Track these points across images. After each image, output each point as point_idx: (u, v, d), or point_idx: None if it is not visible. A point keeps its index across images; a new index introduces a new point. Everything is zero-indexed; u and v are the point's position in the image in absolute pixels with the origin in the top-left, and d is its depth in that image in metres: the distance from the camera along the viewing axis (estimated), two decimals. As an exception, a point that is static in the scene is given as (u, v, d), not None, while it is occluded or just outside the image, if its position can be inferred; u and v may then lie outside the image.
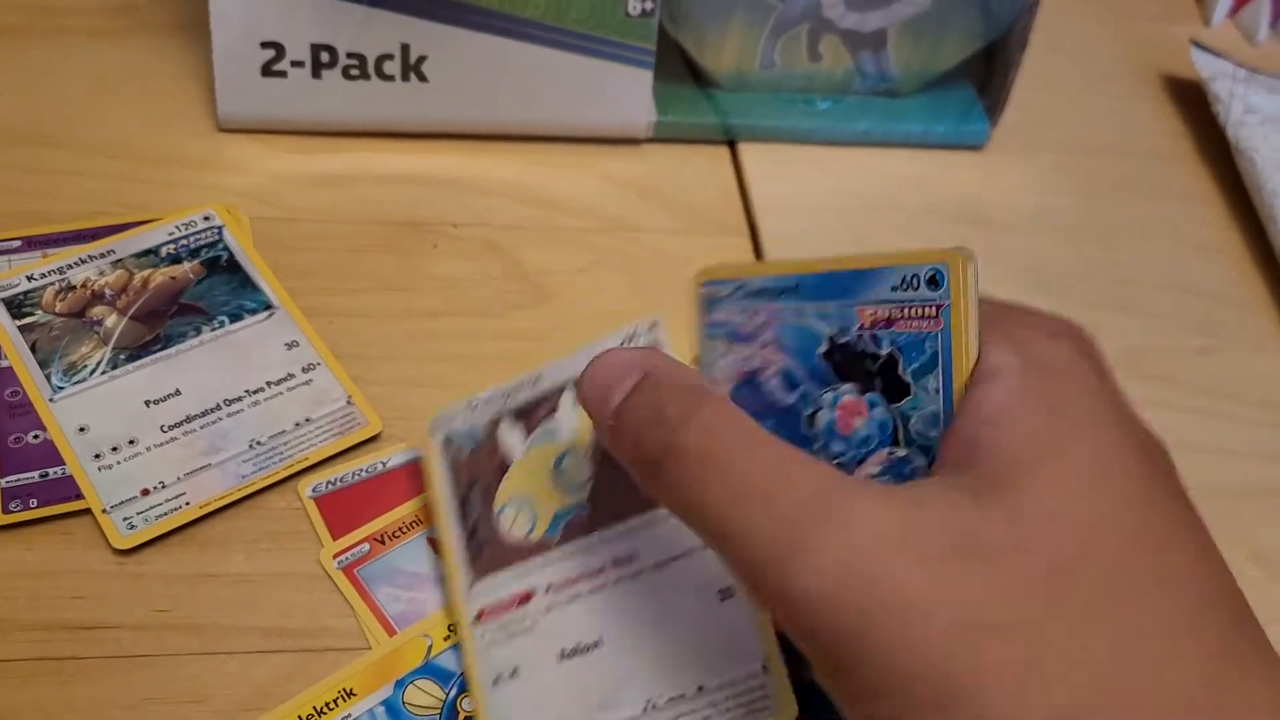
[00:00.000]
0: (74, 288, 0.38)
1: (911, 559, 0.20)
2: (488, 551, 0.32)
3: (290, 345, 0.38)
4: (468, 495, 0.33)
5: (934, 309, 0.25)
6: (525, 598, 0.31)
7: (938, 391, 0.24)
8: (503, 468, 0.32)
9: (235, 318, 0.38)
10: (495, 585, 0.31)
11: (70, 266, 0.38)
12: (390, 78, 0.43)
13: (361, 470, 0.35)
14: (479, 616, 0.31)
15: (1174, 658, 0.20)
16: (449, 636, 0.32)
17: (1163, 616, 0.20)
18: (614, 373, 0.26)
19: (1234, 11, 0.58)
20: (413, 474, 0.35)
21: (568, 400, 0.32)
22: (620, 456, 0.26)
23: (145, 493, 0.34)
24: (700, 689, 0.28)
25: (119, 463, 0.34)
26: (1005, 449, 0.22)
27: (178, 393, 0.36)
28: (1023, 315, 0.25)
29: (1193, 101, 0.52)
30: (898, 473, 0.25)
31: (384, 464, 0.35)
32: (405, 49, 0.42)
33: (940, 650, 0.20)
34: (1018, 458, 0.21)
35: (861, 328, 0.26)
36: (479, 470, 0.33)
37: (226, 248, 0.40)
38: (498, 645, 0.30)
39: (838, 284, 0.26)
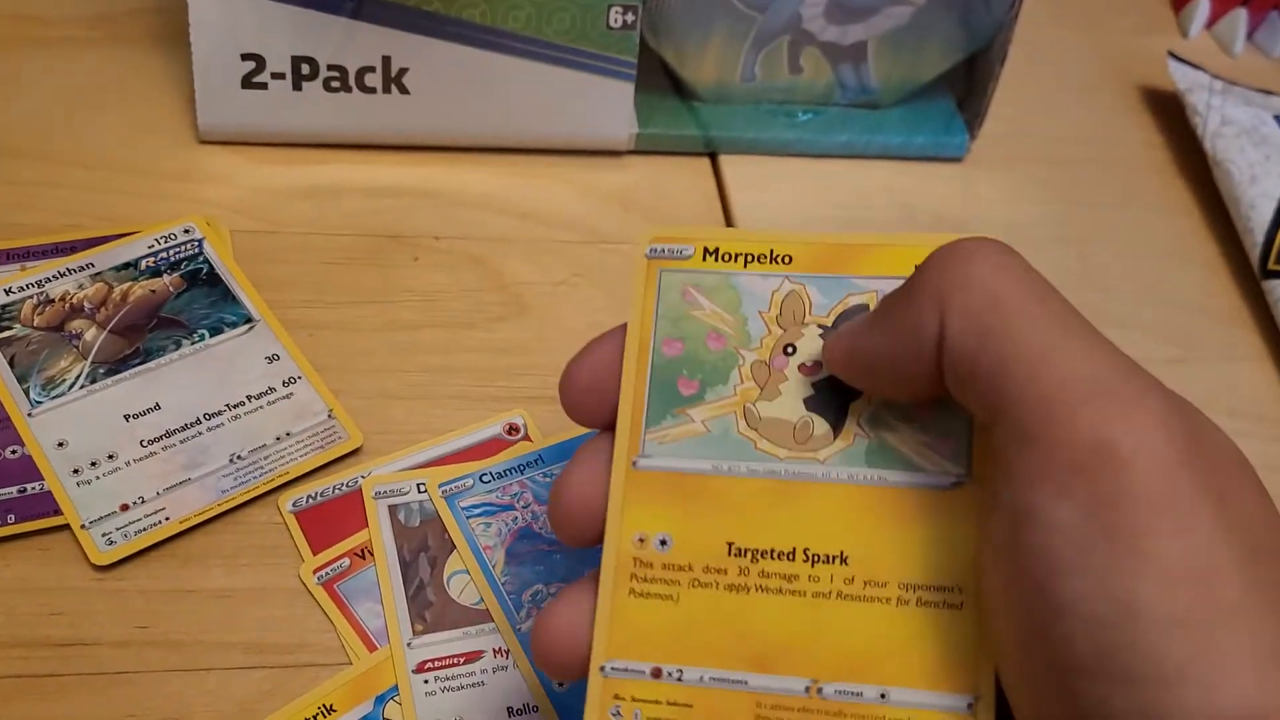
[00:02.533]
0: (52, 301, 0.38)
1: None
2: (434, 610, 0.32)
3: (271, 359, 0.37)
4: (414, 560, 0.33)
5: None
6: (472, 657, 0.31)
7: None
8: (450, 544, 0.33)
9: (215, 331, 0.38)
10: (440, 641, 0.32)
11: (49, 280, 0.38)
12: (371, 90, 0.43)
13: (342, 485, 0.35)
14: (419, 668, 0.31)
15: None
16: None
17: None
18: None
19: (1211, 24, 0.58)
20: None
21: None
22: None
23: (124, 508, 0.33)
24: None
25: (98, 478, 0.34)
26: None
27: (157, 407, 0.36)
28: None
29: (1170, 113, 0.53)
30: None
31: (364, 478, 0.35)
32: (386, 61, 0.42)
33: None
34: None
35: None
36: (426, 540, 0.34)
37: (206, 260, 0.40)
38: (439, 695, 0.31)
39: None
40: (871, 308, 0.25)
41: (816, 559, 0.24)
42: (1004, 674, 0.22)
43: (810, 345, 0.26)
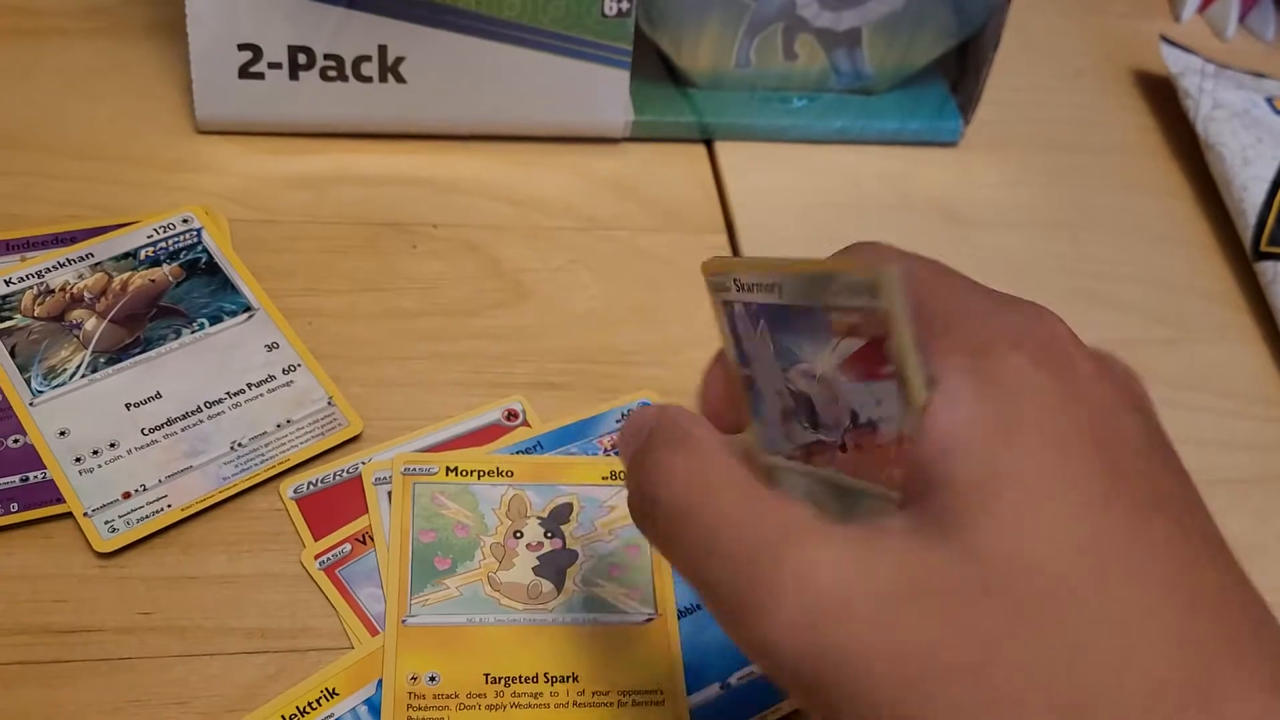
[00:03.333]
0: (53, 291, 0.38)
1: (864, 609, 0.20)
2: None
3: (270, 347, 0.38)
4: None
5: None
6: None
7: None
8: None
9: (215, 320, 0.38)
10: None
11: (48, 270, 0.38)
12: (368, 79, 0.43)
13: (343, 471, 0.35)
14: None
15: (1145, 683, 0.19)
16: (431, 635, 0.32)
17: (1135, 640, 0.20)
18: (628, 431, 0.26)
19: (1203, 7, 0.58)
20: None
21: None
22: (629, 507, 0.26)
23: (126, 496, 0.34)
24: None
25: (100, 466, 0.34)
26: (959, 482, 0.21)
27: (158, 395, 0.36)
28: (985, 313, 0.24)
29: (1163, 97, 0.53)
30: None
31: (365, 464, 0.35)
32: (383, 50, 0.42)
33: (892, 697, 0.20)
34: (971, 492, 0.21)
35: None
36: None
37: (205, 250, 0.40)
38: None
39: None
40: (574, 507, 0.35)
41: (554, 679, 0.32)
42: None
43: (533, 531, 0.34)
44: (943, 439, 0.22)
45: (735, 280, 0.27)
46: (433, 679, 0.31)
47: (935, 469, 0.22)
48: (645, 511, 0.24)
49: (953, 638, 0.20)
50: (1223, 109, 0.49)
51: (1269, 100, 0.50)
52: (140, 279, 0.39)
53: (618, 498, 0.35)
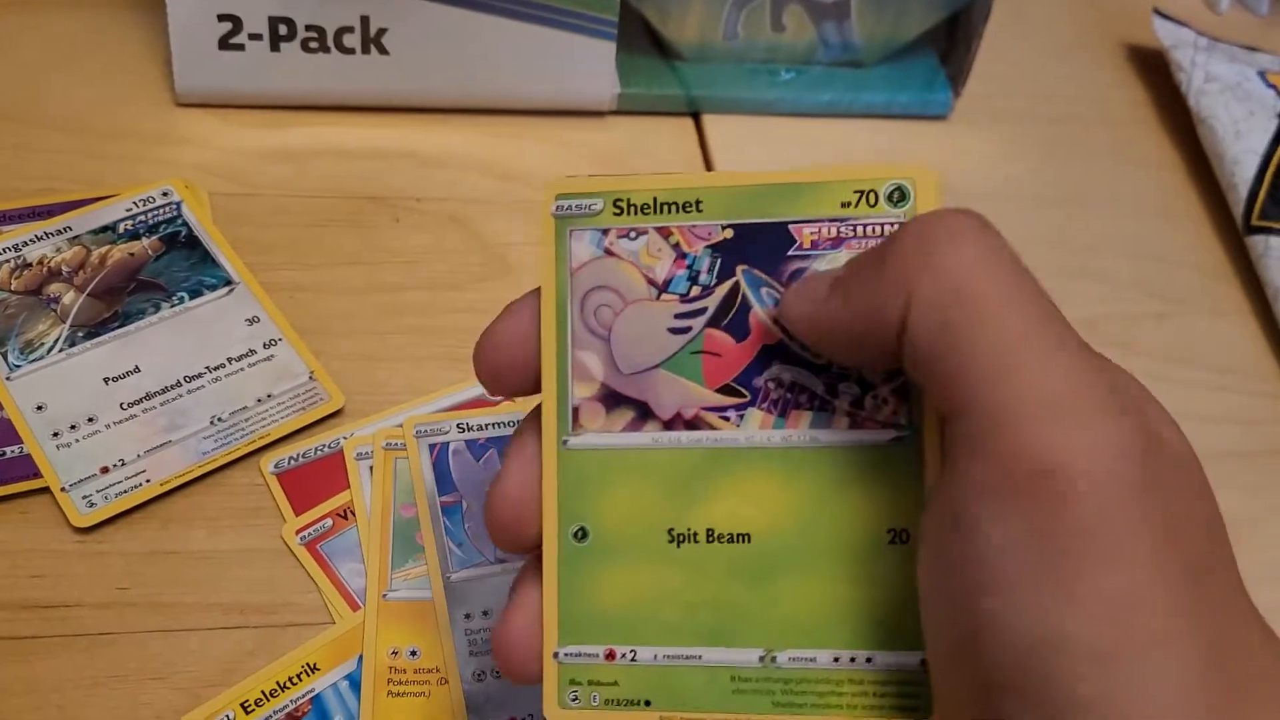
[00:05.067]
0: (30, 265, 0.37)
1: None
2: None
3: (251, 321, 0.37)
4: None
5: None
6: None
7: None
8: None
9: (195, 294, 0.38)
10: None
11: (26, 243, 0.38)
12: (350, 50, 0.42)
13: (324, 446, 0.35)
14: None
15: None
16: (413, 610, 0.32)
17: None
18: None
19: (1196, -20, 0.58)
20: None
21: None
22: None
23: (105, 470, 0.33)
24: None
25: (78, 441, 0.34)
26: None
27: (137, 370, 0.36)
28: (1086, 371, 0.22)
29: (1155, 70, 0.53)
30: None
31: (346, 439, 0.35)
32: (365, 21, 0.42)
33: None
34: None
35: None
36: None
37: (185, 223, 0.39)
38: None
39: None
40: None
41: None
42: (930, 660, 0.22)
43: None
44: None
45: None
46: (413, 653, 0.31)
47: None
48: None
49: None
50: (1215, 82, 0.49)
51: (1261, 74, 0.49)
52: (119, 252, 0.38)
53: None
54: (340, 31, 0.42)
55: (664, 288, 0.24)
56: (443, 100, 0.44)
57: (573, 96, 0.45)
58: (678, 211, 0.24)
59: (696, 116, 0.47)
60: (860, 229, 0.23)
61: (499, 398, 0.25)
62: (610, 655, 0.24)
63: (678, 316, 0.24)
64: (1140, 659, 0.18)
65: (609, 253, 0.24)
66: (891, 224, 0.23)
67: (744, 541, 0.24)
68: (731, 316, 0.24)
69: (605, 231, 0.24)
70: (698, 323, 0.24)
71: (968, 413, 0.20)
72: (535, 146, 0.45)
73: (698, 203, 0.24)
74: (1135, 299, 0.44)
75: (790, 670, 0.23)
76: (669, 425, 0.24)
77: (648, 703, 0.24)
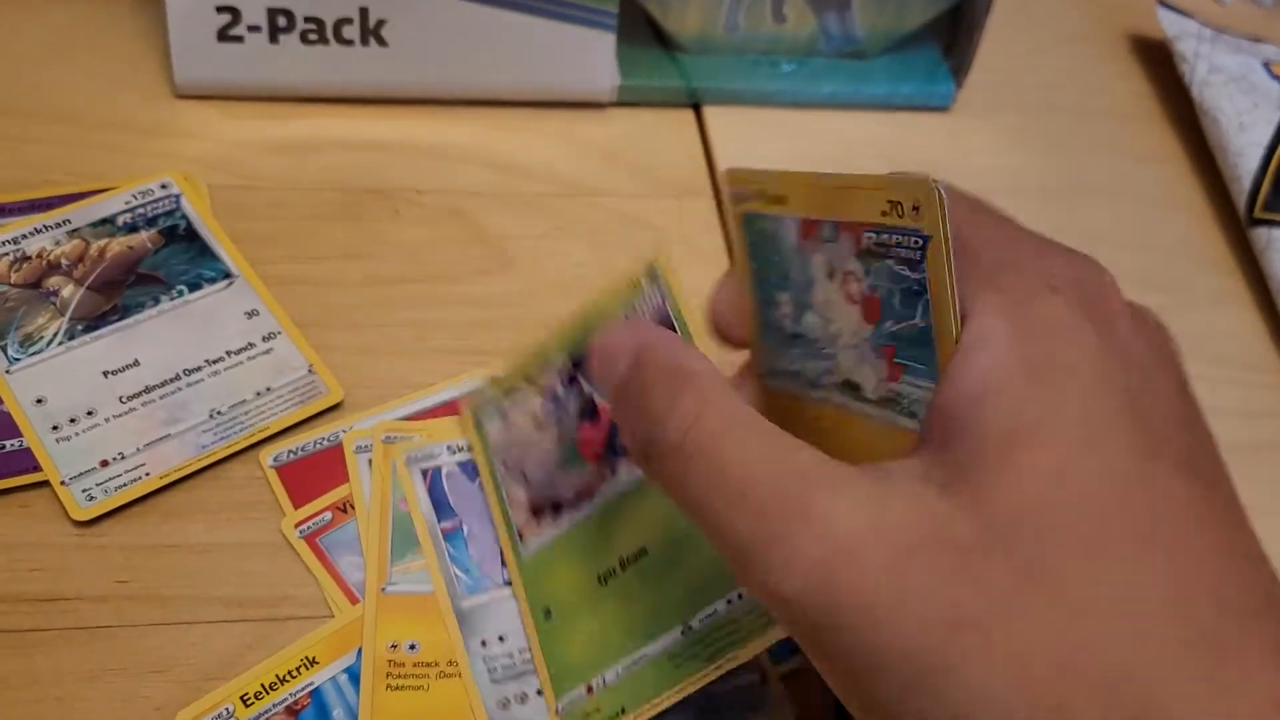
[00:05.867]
0: (29, 258, 0.37)
1: (878, 557, 0.20)
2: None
3: (250, 314, 0.37)
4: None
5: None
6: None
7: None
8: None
9: (194, 287, 0.38)
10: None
11: (25, 236, 0.38)
12: (349, 42, 0.42)
13: (323, 439, 0.35)
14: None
15: (1155, 641, 0.19)
16: (412, 604, 0.32)
17: (1144, 601, 0.20)
18: (608, 357, 0.25)
19: (1200, -30, 0.57)
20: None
21: None
22: (622, 440, 0.26)
23: (104, 464, 0.33)
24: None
25: (77, 434, 0.34)
26: (986, 429, 0.21)
27: (136, 363, 0.36)
28: (1026, 254, 0.23)
29: (1158, 61, 0.52)
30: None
31: (346, 432, 0.35)
32: (364, 12, 0.42)
33: (910, 644, 0.20)
34: (997, 439, 0.21)
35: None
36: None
37: (184, 216, 0.39)
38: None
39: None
40: None
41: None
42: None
43: None
44: (973, 385, 0.21)
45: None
46: (412, 647, 0.31)
47: (963, 415, 0.21)
48: (646, 452, 0.24)
49: (962, 591, 0.20)
50: (1219, 73, 0.49)
51: (1266, 65, 0.49)
52: (118, 245, 0.38)
53: None
54: (339, 23, 0.42)
55: (544, 423, 0.32)
56: (442, 92, 0.44)
57: (573, 88, 0.45)
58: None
59: (697, 108, 0.47)
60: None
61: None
62: (589, 689, 0.29)
63: (559, 438, 0.32)
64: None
65: (504, 417, 0.34)
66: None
67: (644, 555, 0.29)
68: (587, 410, 0.31)
69: (499, 404, 0.34)
70: (568, 428, 0.31)
71: None
72: (535, 139, 0.44)
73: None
74: (1137, 291, 0.43)
75: (704, 628, 0.28)
76: (576, 504, 0.31)
77: (623, 710, 0.28)
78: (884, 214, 0.24)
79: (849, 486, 0.21)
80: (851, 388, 0.26)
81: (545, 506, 0.32)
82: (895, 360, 0.25)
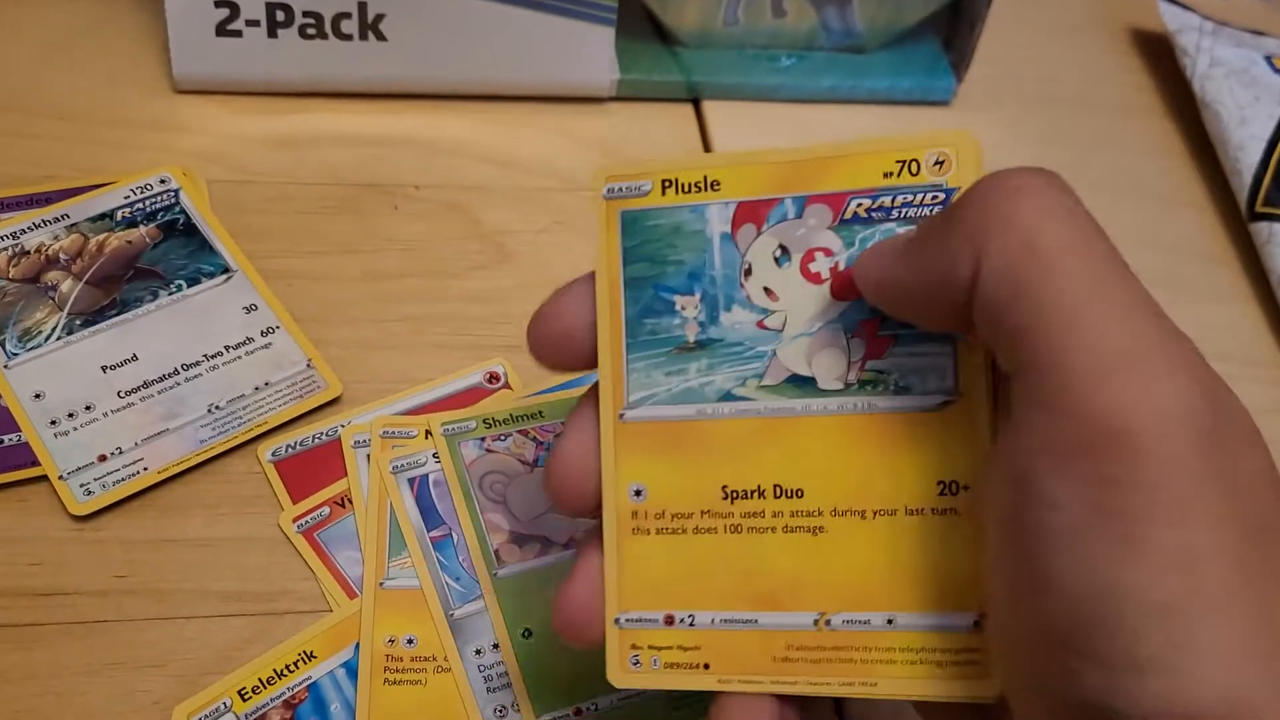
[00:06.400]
0: (28, 253, 0.37)
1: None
2: None
3: (249, 309, 0.37)
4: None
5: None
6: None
7: None
8: None
9: (193, 281, 0.38)
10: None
11: (23, 231, 0.38)
12: (348, 37, 0.42)
13: (321, 434, 0.35)
14: None
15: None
16: (410, 598, 0.32)
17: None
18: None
19: (1202, -37, 0.57)
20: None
21: None
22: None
23: (102, 458, 0.33)
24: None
25: (75, 429, 0.34)
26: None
27: (135, 358, 0.36)
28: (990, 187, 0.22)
29: (1160, 54, 0.52)
30: None
31: (344, 427, 0.35)
32: (363, 7, 0.42)
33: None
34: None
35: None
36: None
37: (183, 211, 0.39)
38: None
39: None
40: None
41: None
42: (991, 618, 0.22)
43: None
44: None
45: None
46: (410, 641, 0.31)
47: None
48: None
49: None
50: (1220, 67, 0.48)
51: (1268, 58, 0.49)
52: (117, 240, 0.38)
53: None
54: (338, 18, 0.42)
55: (534, 465, 0.32)
56: (441, 87, 0.44)
57: (572, 83, 0.45)
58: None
59: (697, 103, 0.47)
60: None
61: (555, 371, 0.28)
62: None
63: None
64: (1202, 615, 0.18)
65: (489, 450, 0.34)
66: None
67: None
68: None
69: (482, 439, 0.34)
70: None
71: (1035, 369, 0.20)
72: (534, 133, 0.44)
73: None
74: (1138, 286, 0.44)
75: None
76: (566, 548, 0.32)
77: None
78: (887, 175, 0.23)
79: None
80: (797, 384, 0.24)
81: (530, 540, 0.32)
82: (880, 334, 0.24)
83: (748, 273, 0.25)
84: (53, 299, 0.36)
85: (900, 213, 0.23)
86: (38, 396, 0.34)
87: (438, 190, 0.42)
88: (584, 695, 0.29)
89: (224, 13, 0.41)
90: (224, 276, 0.38)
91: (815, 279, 0.24)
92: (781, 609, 0.24)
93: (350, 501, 0.33)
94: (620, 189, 0.26)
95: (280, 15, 0.41)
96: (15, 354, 0.35)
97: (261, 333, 0.37)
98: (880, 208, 0.24)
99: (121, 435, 0.34)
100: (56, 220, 0.38)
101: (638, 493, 0.25)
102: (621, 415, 0.25)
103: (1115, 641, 0.19)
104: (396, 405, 0.36)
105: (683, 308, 0.25)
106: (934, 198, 0.23)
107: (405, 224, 0.41)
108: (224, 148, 0.42)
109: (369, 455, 0.34)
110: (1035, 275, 0.20)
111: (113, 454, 0.33)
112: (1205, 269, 0.45)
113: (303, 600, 0.32)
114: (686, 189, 0.25)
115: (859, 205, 0.24)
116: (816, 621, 0.24)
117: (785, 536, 0.24)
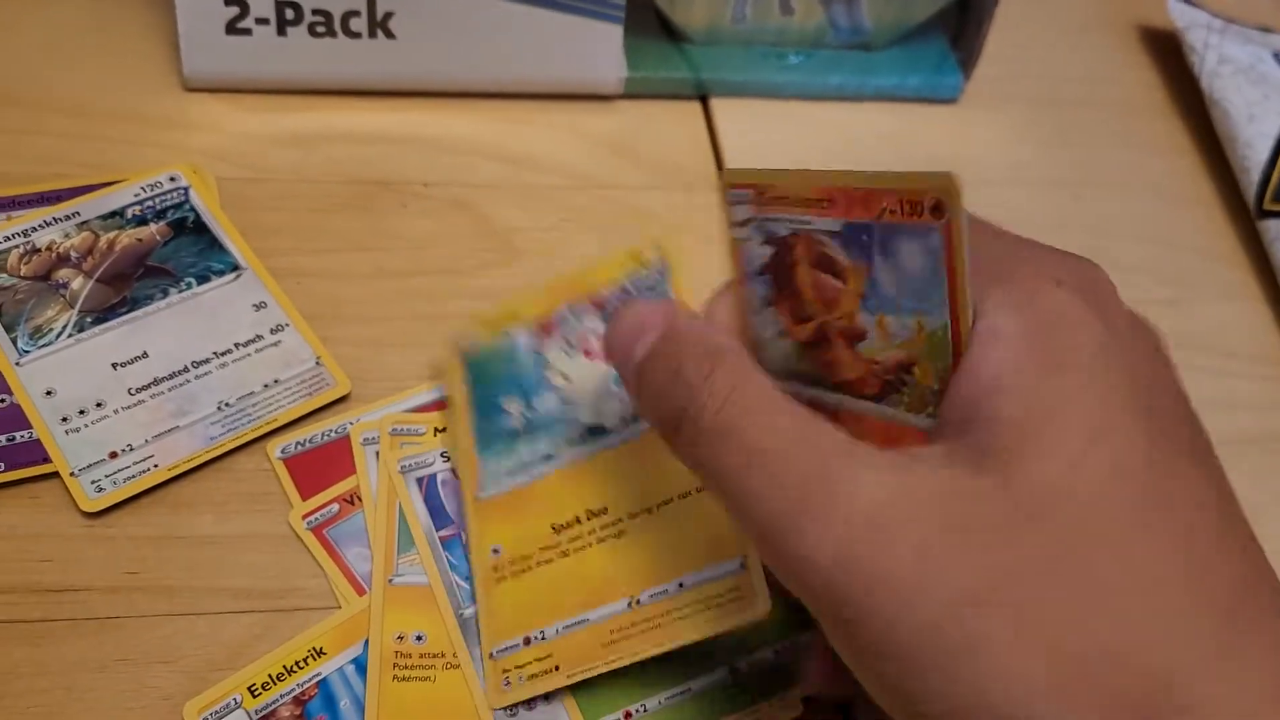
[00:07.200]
0: (39, 250, 0.38)
1: (908, 534, 0.21)
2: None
3: (258, 306, 0.37)
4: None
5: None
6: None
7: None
8: None
9: (203, 279, 0.38)
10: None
11: (34, 229, 0.38)
12: (357, 35, 0.42)
13: (331, 431, 0.35)
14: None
15: (1175, 621, 0.20)
16: (419, 595, 0.32)
17: (1162, 582, 0.20)
18: (634, 328, 0.26)
19: (1211, -39, 0.57)
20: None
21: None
22: (641, 413, 0.26)
23: (113, 455, 0.33)
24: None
25: (86, 426, 0.34)
26: (1004, 419, 0.21)
27: (145, 355, 0.36)
28: (1028, 257, 0.24)
29: (1168, 52, 0.52)
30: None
31: (353, 424, 0.35)
32: (372, 5, 0.42)
33: (932, 621, 0.20)
34: (1015, 427, 0.21)
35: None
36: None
37: (193, 208, 0.39)
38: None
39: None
40: None
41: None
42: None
43: None
44: (989, 376, 0.22)
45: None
46: (419, 638, 0.31)
47: (980, 405, 0.22)
48: (676, 425, 0.24)
49: (990, 572, 0.20)
50: (1228, 64, 0.48)
51: (1276, 56, 0.49)
52: (127, 238, 0.38)
53: None
54: (347, 15, 0.42)
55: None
56: (450, 85, 0.44)
57: (580, 80, 0.45)
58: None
59: (704, 100, 0.47)
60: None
61: None
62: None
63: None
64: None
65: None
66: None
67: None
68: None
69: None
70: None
71: None
72: (543, 131, 0.44)
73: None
74: (1145, 284, 0.44)
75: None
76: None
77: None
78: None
79: (880, 465, 0.22)
80: (593, 432, 0.32)
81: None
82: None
83: (547, 367, 0.34)
84: (64, 296, 0.37)
85: (635, 288, 0.34)
86: (49, 393, 0.34)
87: (446, 188, 0.42)
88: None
89: (234, 11, 0.41)
90: (234, 274, 0.38)
91: (594, 355, 0.33)
92: (604, 603, 0.30)
93: (359, 499, 0.34)
94: (466, 344, 0.35)
95: (290, 13, 0.42)
96: (27, 351, 0.35)
97: (271, 330, 0.37)
98: (623, 290, 0.34)
99: (132, 432, 0.34)
100: (67, 218, 0.38)
101: (495, 550, 0.32)
102: (477, 497, 0.33)
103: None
104: (405, 403, 0.36)
105: (508, 408, 0.33)
106: (655, 276, 0.34)
107: (414, 222, 0.41)
108: (233, 145, 0.42)
109: (378, 453, 0.34)
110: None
111: (123, 451, 0.34)
112: (1213, 267, 0.45)
113: (312, 597, 0.32)
114: (499, 324, 0.35)
115: (609, 295, 0.34)
116: (630, 604, 0.30)
117: (599, 546, 0.30)
